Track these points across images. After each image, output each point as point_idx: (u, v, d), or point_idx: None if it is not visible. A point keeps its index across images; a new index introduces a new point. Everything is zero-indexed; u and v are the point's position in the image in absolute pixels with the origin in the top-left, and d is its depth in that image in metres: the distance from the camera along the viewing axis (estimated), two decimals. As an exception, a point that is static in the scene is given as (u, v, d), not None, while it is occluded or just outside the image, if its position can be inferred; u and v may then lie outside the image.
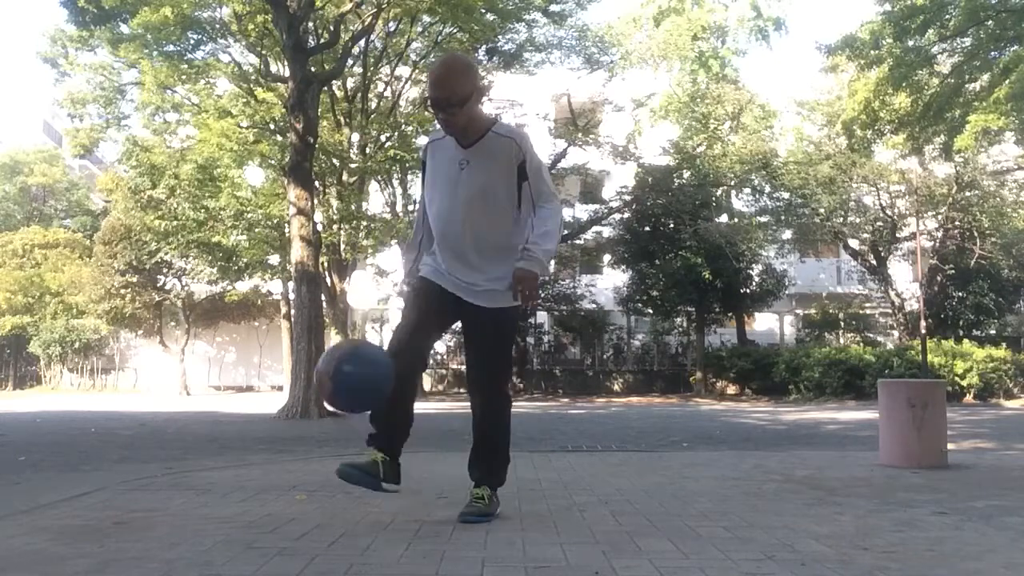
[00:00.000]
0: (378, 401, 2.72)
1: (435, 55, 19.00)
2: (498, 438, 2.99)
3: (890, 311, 22.56)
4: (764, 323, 26.86)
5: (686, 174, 22.30)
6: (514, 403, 3.22)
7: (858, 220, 21.62)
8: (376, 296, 24.27)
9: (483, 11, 15.64)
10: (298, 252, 12.06)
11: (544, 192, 2.94)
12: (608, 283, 24.78)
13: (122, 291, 23.89)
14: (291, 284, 15.89)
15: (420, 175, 3.18)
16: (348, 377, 2.63)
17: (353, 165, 18.31)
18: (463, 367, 19.55)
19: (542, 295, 23.06)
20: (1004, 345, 18.60)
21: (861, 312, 24.60)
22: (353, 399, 2.74)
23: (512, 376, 3.14)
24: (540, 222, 2.89)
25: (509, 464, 3.07)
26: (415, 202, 21.93)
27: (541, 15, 18.74)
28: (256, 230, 18.62)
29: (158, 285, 24.55)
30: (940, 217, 20.79)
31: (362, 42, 16.93)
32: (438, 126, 3.02)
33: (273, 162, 17.63)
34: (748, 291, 22.06)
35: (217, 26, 16.09)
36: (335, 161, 18.08)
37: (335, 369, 2.63)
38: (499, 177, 2.90)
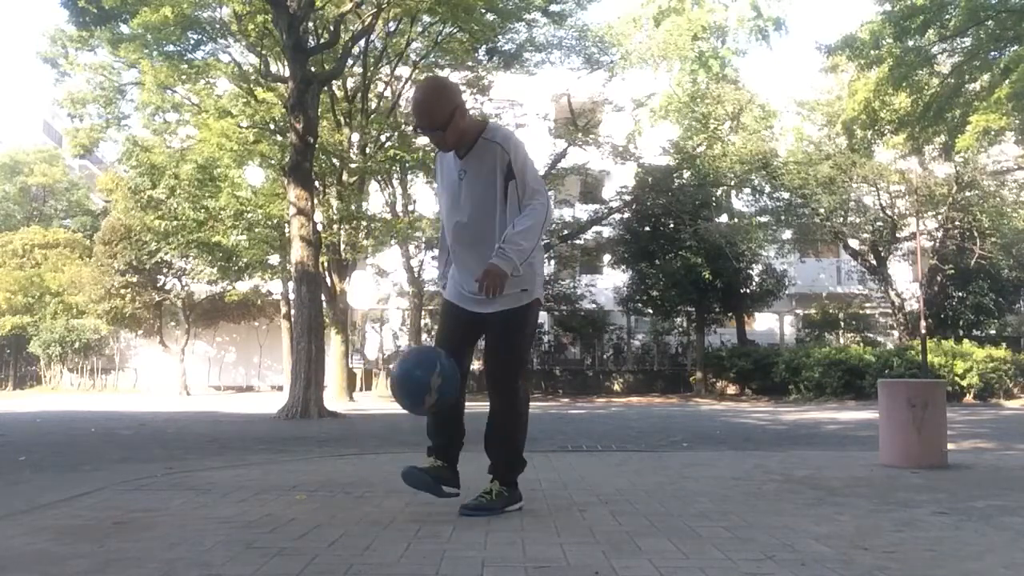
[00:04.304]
0: (421, 395, 2.90)
1: (435, 55, 19.01)
2: (507, 433, 3.04)
3: (890, 311, 22.56)
4: (764, 323, 26.86)
5: (686, 174, 22.30)
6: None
7: (858, 220, 21.61)
8: (376, 296, 24.28)
9: (483, 11, 15.64)
10: (298, 252, 12.06)
11: (529, 188, 2.96)
12: (608, 283, 24.79)
13: (122, 291, 23.89)
14: (291, 284, 15.90)
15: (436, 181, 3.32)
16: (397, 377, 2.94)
17: (353, 165, 18.31)
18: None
19: (543, 293, 23.04)
20: (1004, 345, 18.60)
21: (861, 312, 24.60)
22: (400, 394, 2.96)
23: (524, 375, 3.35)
24: (522, 219, 2.91)
25: (525, 463, 3.12)
26: (415, 202, 21.97)
27: (541, 15, 18.73)
28: (256, 230, 18.62)
29: (158, 285, 24.55)
30: (940, 217, 20.78)
31: (362, 42, 16.94)
32: None
33: (273, 162, 17.63)
34: (748, 291, 22.06)
35: (217, 26, 16.10)
36: (335, 161, 18.09)
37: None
38: (493, 182, 2.95)
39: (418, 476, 2.94)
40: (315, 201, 14.52)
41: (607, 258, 24.42)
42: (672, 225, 21.71)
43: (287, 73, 13.30)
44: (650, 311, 22.98)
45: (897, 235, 21.64)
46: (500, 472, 3.04)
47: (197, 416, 11.92)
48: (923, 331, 17.48)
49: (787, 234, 22.21)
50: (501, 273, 2.82)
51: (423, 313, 22.46)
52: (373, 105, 19.43)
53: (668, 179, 22.09)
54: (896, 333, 22.46)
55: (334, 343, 18.50)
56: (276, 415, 11.34)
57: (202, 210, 18.27)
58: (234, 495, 3.43)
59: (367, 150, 18.85)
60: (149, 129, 19.90)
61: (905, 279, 22.70)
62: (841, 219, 21.27)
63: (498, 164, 2.93)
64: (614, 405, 17.15)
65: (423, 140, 19.45)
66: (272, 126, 17.04)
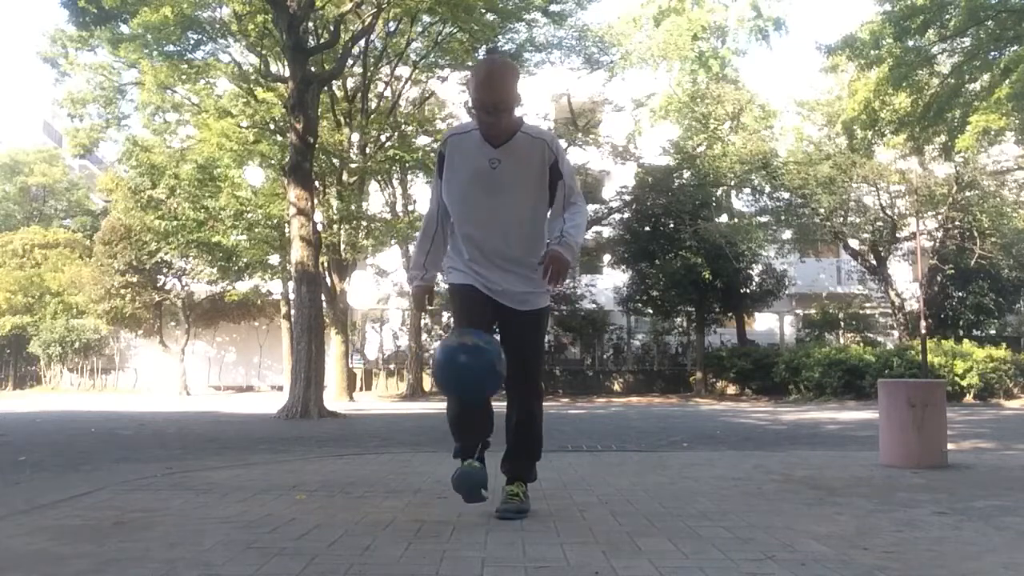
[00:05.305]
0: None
1: (435, 55, 19.01)
2: (537, 434, 3.06)
3: (890, 311, 22.54)
4: (764, 323, 26.85)
5: (686, 174, 22.30)
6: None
7: (858, 220, 21.60)
8: (376, 296, 24.28)
9: (483, 11, 15.64)
10: (298, 252, 12.07)
11: (575, 191, 3.04)
12: (608, 283, 24.78)
13: (122, 291, 23.88)
14: (291, 284, 15.90)
15: (436, 166, 3.07)
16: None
17: (353, 165, 18.32)
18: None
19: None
20: (1004, 345, 18.57)
21: (861, 312, 24.58)
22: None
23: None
24: (572, 216, 2.98)
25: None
26: (415, 202, 21.92)
27: (541, 15, 18.71)
28: (256, 230, 18.63)
29: (158, 285, 24.55)
30: (940, 217, 20.77)
31: (362, 42, 16.94)
32: (456, 122, 3.07)
33: (273, 162, 17.64)
34: (748, 291, 22.05)
35: (217, 26, 16.10)
36: (335, 161, 18.09)
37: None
38: (532, 177, 2.95)
39: (470, 478, 2.82)
40: (315, 201, 14.52)
41: (607, 258, 24.42)
42: (672, 225, 21.70)
43: (287, 73, 13.30)
44: (650, 311, 22.97)
45: (897, 235, 21.63)
46: (527, 470, 3.04)
47: (197, 416, 11.92)
48: (923, 331, 17.47)
49: (787, 234, 22.20)
50: (565, 260, 2.83)
51: (423, 313, 22.46)
52: (373, 105, 19.43)
53: (668, 179, 22.09)
54: (896, 333, 22.44)
55: (334, 343, 18.50)
56: (276, 415, 11.35)
57: (202, 210, 18.28)
58: (234, 495, 3.43)
59: (367, 150, 18.85)
60: (149, 129, 19.91)
61: (905, 279, 22.69)
62: (841, 219, 21.26)
63: (544, 161, 2.94)
64: (614, 405, 17.15)
65: (423, 140, 19.48)
66: (272, 126, 17.04)
